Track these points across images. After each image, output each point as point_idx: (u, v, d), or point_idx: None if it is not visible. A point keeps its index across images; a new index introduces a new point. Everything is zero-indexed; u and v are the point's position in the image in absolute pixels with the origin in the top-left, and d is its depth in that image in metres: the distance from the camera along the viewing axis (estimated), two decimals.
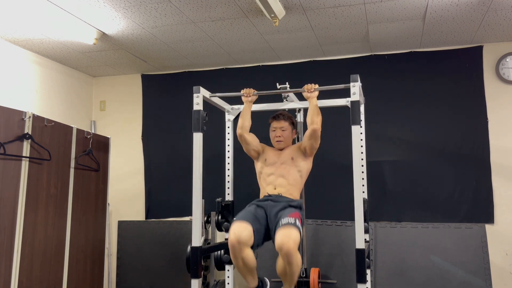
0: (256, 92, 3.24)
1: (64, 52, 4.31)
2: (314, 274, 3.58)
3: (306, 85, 3.06)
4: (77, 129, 3.84)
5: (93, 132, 4.29)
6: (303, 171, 3.05)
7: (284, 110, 3.57)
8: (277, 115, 3.18)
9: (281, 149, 3.15)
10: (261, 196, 3.04)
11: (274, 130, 3.15)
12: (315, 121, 2.93)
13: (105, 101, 5.15)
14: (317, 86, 3.03)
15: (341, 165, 4.18)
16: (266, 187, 3.02)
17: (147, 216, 4.82)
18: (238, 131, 3.13)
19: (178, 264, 4.40)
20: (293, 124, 3.22)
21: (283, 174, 3.00)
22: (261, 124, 4.49)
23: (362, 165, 3.38)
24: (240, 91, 3.37)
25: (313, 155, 3.10)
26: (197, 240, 2.94)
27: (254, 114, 4.24)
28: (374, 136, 4.18)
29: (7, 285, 3.05)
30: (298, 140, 3.71)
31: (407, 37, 4.01)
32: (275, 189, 2.97)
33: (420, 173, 4.15)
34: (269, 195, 2.96)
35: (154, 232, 4.65)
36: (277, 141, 3.12)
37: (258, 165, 3.16)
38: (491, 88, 4.09)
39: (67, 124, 3.75)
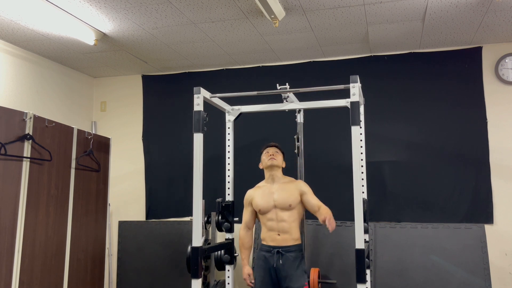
0: None
1: (64, 53, 4.33)
2: (314, 274, 3.59)
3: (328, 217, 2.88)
4: (78, 130, 3.84)
5: (93, 132, 4.30)
6: (301, 207, 3.15)
7: (284, 111, 3.60)
8: (269, 144, 3.28)
9: (271, 179, 3.19)
10: (264, 236, 3.13)
11: (267, 152, 3.22)
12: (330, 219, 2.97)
13: (105, 102, 5.16)
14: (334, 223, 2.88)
15: (341, 166, 4.19)
16: (269, 232, 3.11)
17: (147, 216, 4.83)
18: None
19: (179, 264, 4.42)
20: (284, 155, 3.28)
21: (283, 219, 3.08)
22: (260, 124, 4.53)
23: (362, 166, 3.38)
24: (240, 92, 3.38)
25: None
26: (197, 240, 2.95)
27: (254, 115, 4.27)
28: (374, 136, 4.19)
29: (8, 285, 3.06)
30: (297, 141, 3.71)
31: (406, 38, 4.02)
32: (278, 235, 3.07)
33: (419, 174, 4.16)
34: (276, 249, 3.05)
35: (154, 232, 4.66)
36: (270, 159, 3.17)
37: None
38: (491, 88, 4.10)
39: (67, 125, 3.76)
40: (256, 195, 3.20)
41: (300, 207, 3.14)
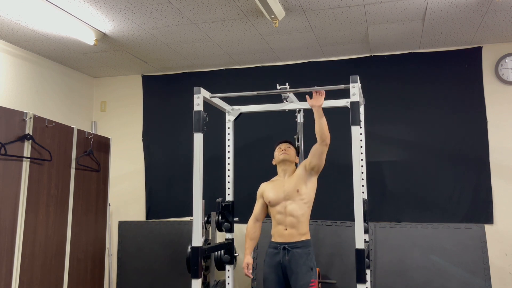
0: None
1: (64, 53, 4.33)
2: None
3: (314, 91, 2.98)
4: (78, 130, 3.85)
5: (93, 132, 4.30)
6: (310, 200, 3.12)
7: (284, 111, 3.60)
8: (282, 140, 3.29)
9: (283, 173, 3.19)
10: (273, 232, 3.13)
11: (279, 148, 3.23)
12: (327, 136, 2.94)
13: (105, 102, 5.17)
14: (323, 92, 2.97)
15: (341, 166, 4.19)
16: (277, 226, 3.11)
17: (147, 216, 4.83)
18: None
19: (179, 264, 4.42)
20: (297, 152, 3.30)
21: (291, 213, 3.06)
22: (260, 124, 4.53)
23: (362, 166, 3.39)
24: (240, 92, 3.39)
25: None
26: (197, 240, 2.95)
27: (254, 115, 4.27)
28: (374, 136, 4.19)
29: (8, 285, 3.06)
30: (297, 141, 3.71)
31: (406, 38, 4.02)
32: (286, 229, 3.06)
33: (419, 174, 4.16)
34: (282, 245, 3.04)
35: (154, 232, 4.66)
36: (282, 153, 3.18)
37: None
38: (491, 88, 4.10)
39: (67, 125, 3.76)
40: (268, 188, 3.20)
41: (310, 193, 3.10)
